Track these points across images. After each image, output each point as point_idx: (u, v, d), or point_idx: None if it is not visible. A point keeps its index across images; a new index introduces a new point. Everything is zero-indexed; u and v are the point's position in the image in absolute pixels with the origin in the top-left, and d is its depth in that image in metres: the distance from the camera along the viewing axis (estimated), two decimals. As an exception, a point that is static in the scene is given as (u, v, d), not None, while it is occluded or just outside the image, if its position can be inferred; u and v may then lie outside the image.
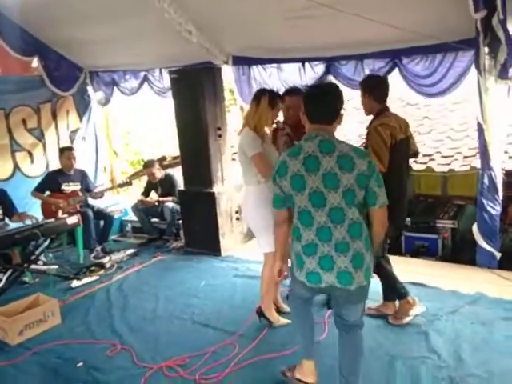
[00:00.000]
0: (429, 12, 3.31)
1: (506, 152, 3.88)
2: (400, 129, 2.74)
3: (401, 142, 2.73)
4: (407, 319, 2.92)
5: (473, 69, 3.42)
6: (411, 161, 3.27)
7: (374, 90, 2.77)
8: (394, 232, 2.91)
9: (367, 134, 2.79)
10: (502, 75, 3.03)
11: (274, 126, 3.08)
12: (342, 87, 4.41)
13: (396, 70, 3.90)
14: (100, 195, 4.85)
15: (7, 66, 5.06)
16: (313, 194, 1.92)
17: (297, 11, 3.54)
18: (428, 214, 4.70)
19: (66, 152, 4.81)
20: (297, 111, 3.11)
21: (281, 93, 3.23)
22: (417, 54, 3.75)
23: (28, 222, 4.04)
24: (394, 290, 2.97)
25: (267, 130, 3.01)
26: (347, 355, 2.16)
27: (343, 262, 1.93)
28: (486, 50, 3.13)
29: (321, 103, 1.99)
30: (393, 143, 2.67)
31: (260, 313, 3.09)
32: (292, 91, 3.22)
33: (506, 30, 2.90)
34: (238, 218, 4.68)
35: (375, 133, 2.67)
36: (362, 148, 2.65)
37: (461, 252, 4.49)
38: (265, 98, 2.85)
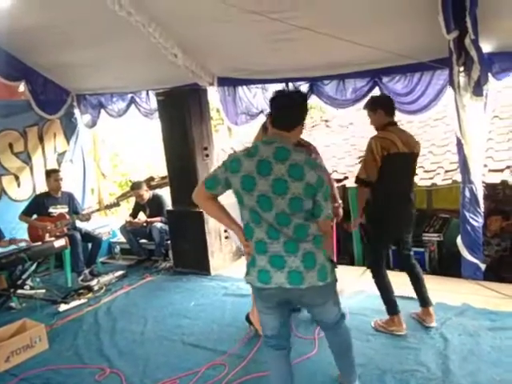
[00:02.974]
0: (406, 33, 3.44)
1: (485, 166, 3.98)
2: (402, 143, 2.83)
3: (394, 156, 2.80)
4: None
5: (450, 86, 3.55)
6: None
7: (385, 105, 2.97)
8: (377, 241, 3.08)
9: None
10: (477, 92, 3.16)
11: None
12: (325, 106, 4.55)
13: (377, 89, 4.03)
14: (87, 217, 4.83)
15: (-7, 90, 5.08)
16: (261, 197, 1.95)
17: (279, 34, 3.65)
18: (414, 227, 4.74)
19: (52, 174, 4.82)
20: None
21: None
22: (395, 73, 3.89)
23: (20, 244, 4.01)
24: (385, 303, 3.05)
25: None
26: (335, 351, 2.32)
27: (294, 261, 1.96)
28: (461, 68, 3.26)
29: (287, 110, 2.03)
30: (384, 155, 2.80)
31: (249, 319, 3.17)
32: None
33: (478, 49, 3.04)
34: (226, 237, 4.69)
35: (369, 143, 2.87)
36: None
37: (447, 264, 4.55)
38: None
